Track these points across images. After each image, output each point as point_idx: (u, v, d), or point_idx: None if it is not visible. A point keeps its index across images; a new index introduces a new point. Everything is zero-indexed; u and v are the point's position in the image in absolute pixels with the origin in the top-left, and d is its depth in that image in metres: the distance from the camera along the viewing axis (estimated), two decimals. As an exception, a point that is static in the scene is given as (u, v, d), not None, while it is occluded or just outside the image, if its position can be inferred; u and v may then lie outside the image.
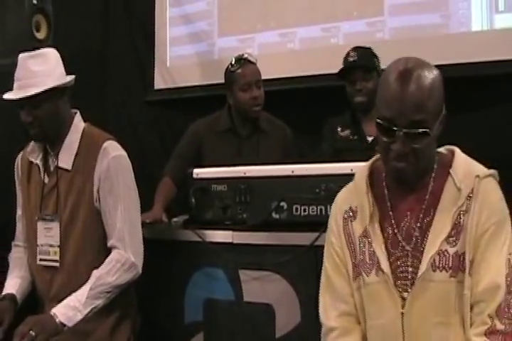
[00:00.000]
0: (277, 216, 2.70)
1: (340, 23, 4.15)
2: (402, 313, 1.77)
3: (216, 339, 2.73)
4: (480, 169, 1.82)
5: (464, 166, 1.81)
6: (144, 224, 2.88)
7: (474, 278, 1.73)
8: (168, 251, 2.84)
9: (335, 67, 3.88)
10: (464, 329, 1.75)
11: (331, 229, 1.98)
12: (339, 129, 3.42)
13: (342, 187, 2.52)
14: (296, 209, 2.68)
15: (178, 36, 4.67)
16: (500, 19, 3.73)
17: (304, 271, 2.56)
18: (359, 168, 1.99)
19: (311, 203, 2.65)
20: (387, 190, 1.87)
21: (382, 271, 1.80)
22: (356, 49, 3.39)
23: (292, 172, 2.71)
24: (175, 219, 3.06)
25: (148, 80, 4.67)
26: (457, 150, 1.87)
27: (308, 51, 4.22)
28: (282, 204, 2.69)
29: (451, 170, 1.80)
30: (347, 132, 3.40)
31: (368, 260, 1.84)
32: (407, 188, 1.84)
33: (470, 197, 1.76)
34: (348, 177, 2.53)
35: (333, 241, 1.94)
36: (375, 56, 3.39)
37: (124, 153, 2.57)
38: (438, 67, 3.68)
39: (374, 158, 1.96)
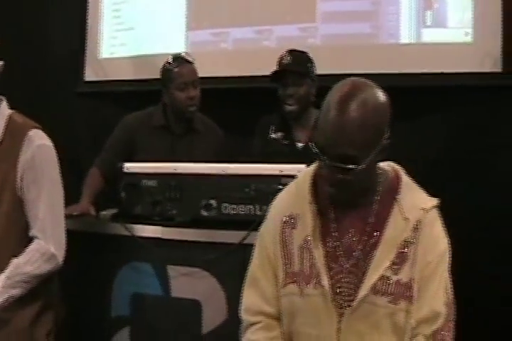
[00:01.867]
0: (206, 213, 2.73)
1: (273, 26, 4.20)
2: (339, 329, 1.78)
3: (143, 333, 2.74)
4: (425, 200, 1.84)
5: (411, 195, 1.83)
6: (71, 217, 2.89)
7: (415, 306, 1.76)
8: (96, 244, 2.84)
9: (267, 69, 3.96)
10: None
11: (267, 231, 1.93)
12: (271, 130, 3.42)
13: (272, 187, 2.62)
14: (226, 207, 2.72)
15: (111, 29, 4.64)
16: (427, 33, 3.87)
17: (232, 268, 2.58)
18: (302, 173, 1.95)
19: (240, 202, 2.70)
20: (329, 203, 1.85)
21: (321, 284, 1.78)
22: (291, 52, 3.39)
23: (223, 171, 2.75)
24: (103, 213, 3.06)
25: (80, 72, 4.62)
26: (402, 174, 1.88)
27: (241, 52, 4.27)
28: (212, 202, 2.73)
29: (398, 198, 1.81)
30: (279, 135, 3.40)
31: (307, 271, 1.81)
32: (351, 204, 1.83)
33: (416, 228, 1.78)
34: (278, 179, 2.63)
35: (267, 245, 1.91)
36: (310, 61, 3.39)
37: (49, 142, 2.51)
38: (365, 75, 3.83)
39: (317, 165, 1.87)
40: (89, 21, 4.63)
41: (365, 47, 3.99)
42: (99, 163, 3.41)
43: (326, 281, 1.78)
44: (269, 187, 2.65)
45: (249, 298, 1.94)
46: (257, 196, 2.67)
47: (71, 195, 2.83)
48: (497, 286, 3.45)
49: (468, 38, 3.78)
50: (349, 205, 1.83)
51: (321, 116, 1.73)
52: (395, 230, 1.79)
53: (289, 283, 1.85)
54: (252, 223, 2.53)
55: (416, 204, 1.81)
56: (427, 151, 3.76)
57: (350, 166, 1.70)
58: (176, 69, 3.37)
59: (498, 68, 3.69)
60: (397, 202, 1.81)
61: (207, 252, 2.64)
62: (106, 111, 4.52)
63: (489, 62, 3.70)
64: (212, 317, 2.62)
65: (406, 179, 1.87)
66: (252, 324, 1.92)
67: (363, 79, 1.77)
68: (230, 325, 2.55)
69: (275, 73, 3.37)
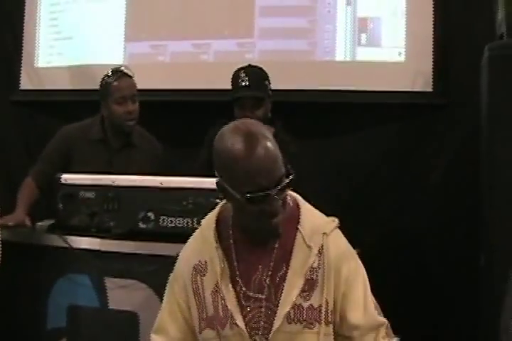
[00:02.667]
0: (144, 226, 2.74)
1: (211, 40, 4.22)
2: None
3: (79, 347, 2.74)
4: (324, 224, 1.88)
5: (311, 222, 1.86)
6: (6, 227, 2.86)
7: (349, 323, 1.82)
8: (31, 256, 2.81)
9: (204, 83, 4.01)
10: None
11: (176, 279, 1.96)
12: None
13: (210, 200, 2.63)
14: (163, 220, 2.73)
15: (49, 38, 4.59)
16: (362, 52, 3.96)
17: None
18: (206, 218, 1.95)
19: (178, 215, 2.71)
20: (234, 244, 1.87)
21: (237, 324, 1.81)
22: (248, 71, 3.32)
23: (161, 184, 2.76)
24: (40, 224, 3.03)
25: (15, 80, 4.55)
26: (300, 201, 1.91)
27: (179, 65, 4.27)
28: (149, 214, 2.74)
29: (299, 227, 1.85)
30: None
31: (221, 315, 1.84)
32: (255, 241, 1.85)
33: (320, 253, 1.83)
34: (216, 192, 2.64)
35: (177, 292, 1.93)
36: (267, 78, 3.35)
37: None
38: (302, 91, 3.89)
39: (219, 208, 1.93)
40: (26, 29, 4.57)
41: (302, 64, 4.05)
42: (34, 174, 3.36)
43: (240, 321, 1.82)
44: (207, 200, 2.66)
45: None
46: (195, 209, 2.68)
47: (3, 206, 2.81)
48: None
49: (401, 58, 3.88)
50: (255, 240, 1.84)
51: (236, 170, 1.70)
52: (300, 259, 1.83)
53: (206, 328, 1.87)
54: (190, 236, 2.55)
55: (317, 230, 1.85)
56: (357, 168, 3.85)
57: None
58: (114, 83, 3.33)
59: (429, 87, 3.81)
60: (299, 231, 1.85)
61: (144, 264, 2.65)
62: (40, 120, 4.45)
63: (421, 81, 3.82)
64: (149, 329, 2.50)
65: (305, 206, 1.91)
66: None
67: (244, 121, 1.82)
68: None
69: (234, 99, 3.29)
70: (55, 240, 2.77)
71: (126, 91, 3.34)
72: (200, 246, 1.91)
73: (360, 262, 1.90)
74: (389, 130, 3.87)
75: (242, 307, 1.83)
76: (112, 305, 2.70)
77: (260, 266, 1.84)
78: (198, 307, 1.88)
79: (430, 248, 3.70)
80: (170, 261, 2.53)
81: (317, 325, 1.81)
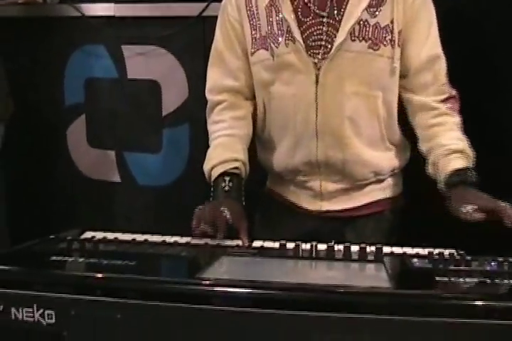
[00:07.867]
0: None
1: None
2: (317, 82, 1.68)
3: (99, 120, 2.61)
4: None
5: None
6: (16, 4, 2.63)
7: (411, 50, 1.70)
8: (43, 29, 2.60)
9: None
10: (385, 101, 1.72)
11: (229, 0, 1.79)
12: None
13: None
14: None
15: None
16: None
17: (191, 44, 2.41)
18: None
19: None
20: None
21: (294, 39, 1.66)
22: None
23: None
24: (50, -3, 2.77)
25: None
26: None
27: None
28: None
29: None
30: None
31: (276, 30, 1.69)
32: None
33: None
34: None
35: (230, 12, 1.77)
36: None
37: None
38: None
39: None
40: None
41: None
42: None
43: (297, 34, 1.66)
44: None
45: (213, 75, 1.84)
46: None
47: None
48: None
49: None
50: None
51: None
52: None
53: (259, 49, 1.73)
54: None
55: None
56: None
57: None
58: None
59: None
60: None
61: (164, 28, 2.41)
62: None
63: None
64: (172, 97, 2.47)
65: None
66: (217, 104, 1.82)
67: None
68: (191, 104, 2.43)
69: None
70: (67, 10, 2.52)
71: None
72: None
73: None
74: None
75: (299, 22, 1.68)
76: (130, 75, 2.52)
77: None
78: (250, 25, 1.74)
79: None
80: (191, 23, 2.31)
81: (382, 46, 1.67)
